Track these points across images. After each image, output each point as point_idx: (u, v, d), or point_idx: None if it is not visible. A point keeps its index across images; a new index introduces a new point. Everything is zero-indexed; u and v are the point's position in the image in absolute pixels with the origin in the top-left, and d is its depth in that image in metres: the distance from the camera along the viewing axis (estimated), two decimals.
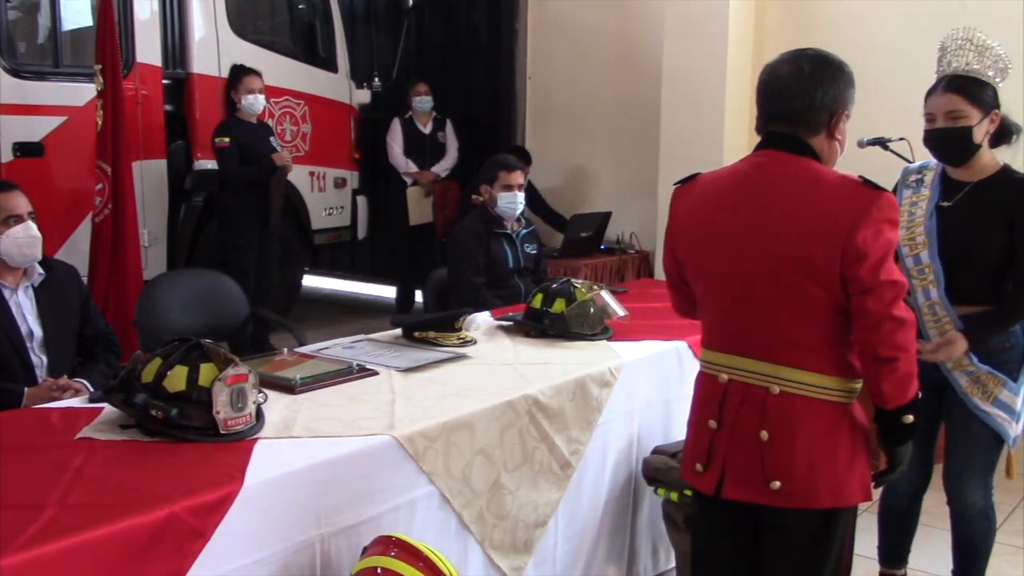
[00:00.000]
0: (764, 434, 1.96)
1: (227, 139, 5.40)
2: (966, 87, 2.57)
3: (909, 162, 2.95)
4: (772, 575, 2.08)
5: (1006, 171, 2.67)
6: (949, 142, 2.62)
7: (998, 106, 2.60)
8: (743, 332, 2.00)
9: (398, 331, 3.24)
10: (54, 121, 5.05)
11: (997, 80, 2.60)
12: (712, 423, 2.04)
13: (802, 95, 1.95)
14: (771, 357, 1.97)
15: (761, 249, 1.94)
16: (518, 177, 4.16)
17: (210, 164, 5.70)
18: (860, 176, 1.94)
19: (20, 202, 2.96)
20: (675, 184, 2.17)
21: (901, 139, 3.13)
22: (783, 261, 1.92)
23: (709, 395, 2.07)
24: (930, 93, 2.66)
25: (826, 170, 1.97)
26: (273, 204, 5.49)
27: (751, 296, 1.97)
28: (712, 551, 2.18)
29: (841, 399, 1.98)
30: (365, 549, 2.02)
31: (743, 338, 2.00)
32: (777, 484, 1.95)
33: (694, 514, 2.24)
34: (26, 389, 2.84)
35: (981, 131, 2.59)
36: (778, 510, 1.99)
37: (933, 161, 2.77)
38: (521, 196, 4.17)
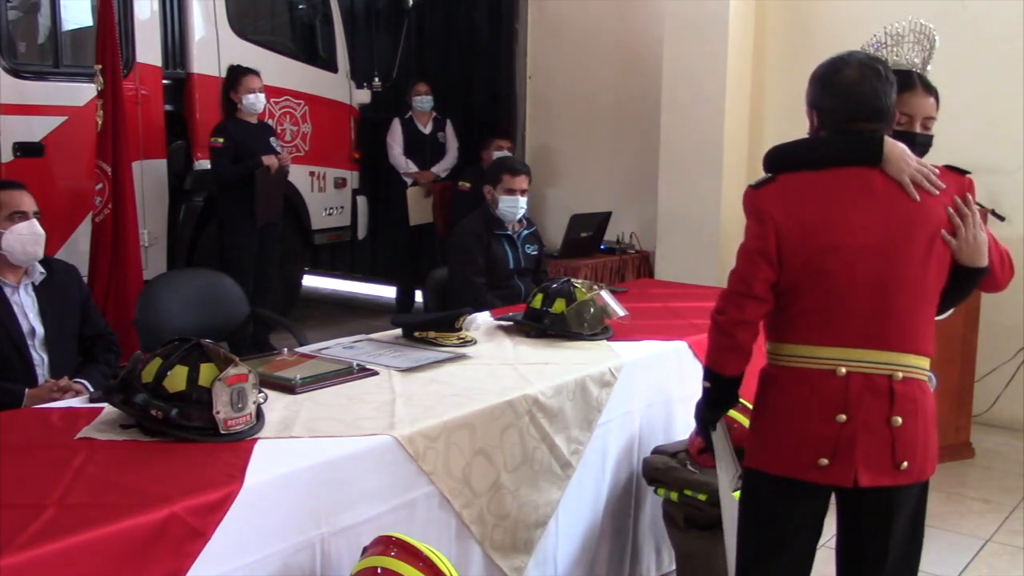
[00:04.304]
0: (897, 420, 2.06)
1: (221, 139, 5.42)
2: (935, 90, 2.48)
3: None
4: (881, 547, 2.14)
5: None
6: (922, 150, 2.44)
7: None
8: (870, 325, 2.07)
9: (398, 331, 3.24)
10: (54, 121, 5.04)
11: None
12: (841, 417, 2.06)
13: (885, 95, 2.12)
14: (896, 346, 2.08)
15: (897, 245, 2.06)
16: (522, 182, 4.17)
17: (210, 164, 5.70)
18: (945, 165, 2.16)
19: (26, 200, 2.98)
20: (752, 187, 2.17)
21: None
22: (918, 254, 2.07)
23: (827, 390, 2.08)
24: (905, 88, 2.41)
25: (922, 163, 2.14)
26: (257, 204, 5.47)
27: (886, 290, 2.06)
28: (796, 537, 2.20)
29: (927, 377, 2.14)
30: (365, 549, 2.02)
31: (869, 331, 2.07)
32: (905, 464, 2.06)
33: (778, 507, 2.19)
34: (27, 390, 2.84)
35: None
36: (899, 488, 2.09)
37: None
38: (523, 200, 4.17)
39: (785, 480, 2.14)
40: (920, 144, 2.43)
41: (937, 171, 2.12)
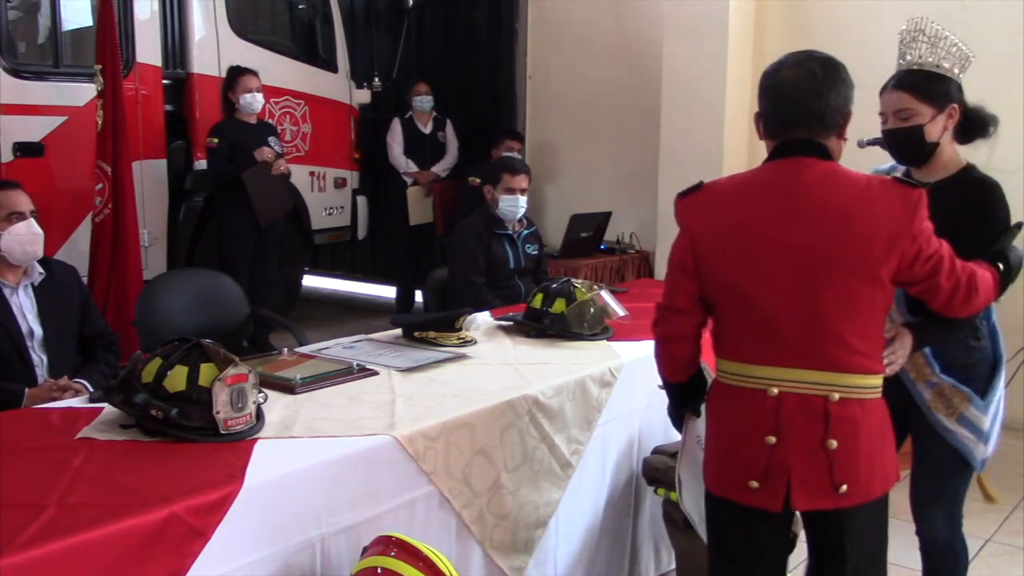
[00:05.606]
0: (832, 443, 1.96)
1: (216, 139, 5.43)
2: (916, 83, 2.40)
3: None
4: (839, 570, 2.08)
5: (967, 171, 2.47)
6: (901, 143, 2.44)
7: (955, 100, 2.42)
8: (800, 343, 1.97)
9: (398, 331, 3.24)
10: (54, 121, 5.04)
11: (956, 71, 2.43)
12: (771, 439, 1.99)
13: (818, 98, 1.97)
14: (830, 365, 1.97)
15: (822, 260, 1.94)
16: (521, 181, 4.17)
17: (206, 164, 5.70)
18: (894, 177, 2.04)
19: (22, 200, 2.98)
20: (679, 196, 2.10)
21: None
22: (845, 269, 1.93)
23: (759, 410, 2.01)
24: (883, 90, 2.46)
25: (862, 174, 2.01)
26: (256, 205, 5.45)
27: (812, 307, 1.95)
28: (757, 561, 2.14)
29: (880, 394, 2.04)
30: (365, 549, 2.02)
31: (800, 349, 1.97)
32: (844, 488, 1.97)
33: (728, 529, 2.15)
34: (26, 389, 2.84)
35: (936, 128, 2.39)
36: (842, 510, 2.01)
37: None
38: (523, 200, 4.17)
39: (725, 501, 2.10)
40: (893, 138, 2.42)
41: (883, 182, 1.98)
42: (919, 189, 1.97)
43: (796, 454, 1.98)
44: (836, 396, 1.96)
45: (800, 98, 1.98)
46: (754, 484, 2.01)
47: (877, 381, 2.02)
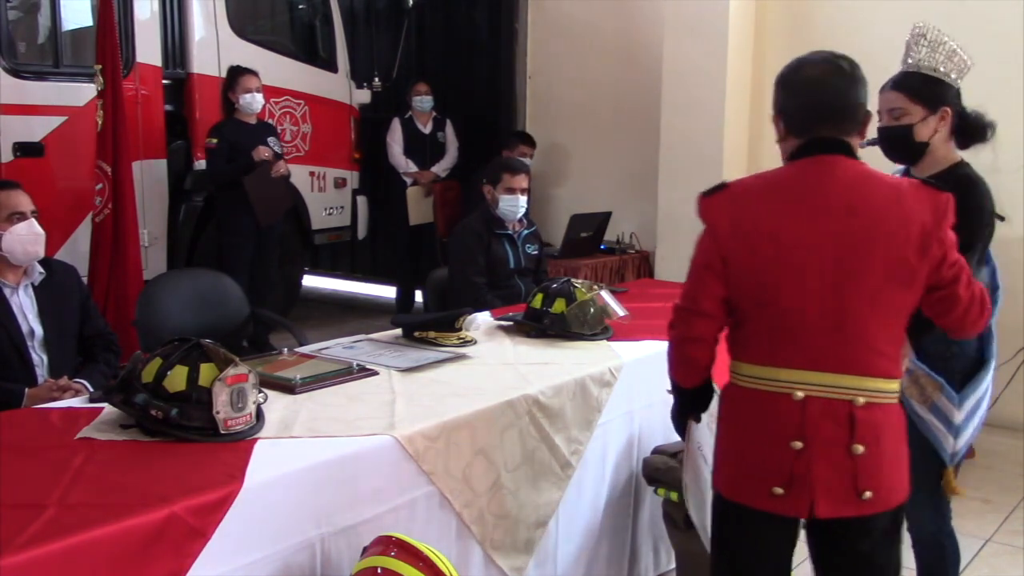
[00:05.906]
0: (859, 448, 1.92)
1: (215, 139, 5.42)
2: (911, 84, 2.45)
3: None
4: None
5: (955, 167, 2.50)
6: (891, 141, 2.49)
7: (948, 103, 2.47)
8: (827, 346, 1.94)
9: (398, 331, 3.24)
10: (54, 121, 5.05)
11: (953, 76, 2.47)
12: (797, 444, 1.94)
13: (847, 94, 1.96)
14: (858, 369, 1.94)
15: (854, 261, 1.91)
16: (521, 181, 4.16)
17: (205, 164, 5.70)
18: (922, 180, 2.02)
19: (23, 200, 2.98)
20: (703, 195, 2.06)
21: None
22: (877, 271, 1.91)
23: (783, 415, 1.96)
24: (881, 90, 2.51)
25: (892, 176, 2.01)
26: (256, 207, 5.44)
27: (841, 309, 1.92)
28: (764, 564, 2.12)
29: (898, 399, 2.01)
30: (365, 549, 2.02)
31: (826, 352, 1.94)
32: (869, 494, 1.94)
33: (737, 533, 2.12)
34: (26, 389, 2.84)
35: (927, 129, 2.44)
36: (864, 518, 1.98)
37: None
38: (523, 200, 4.17)
39: (741, 507, 2.05)
40: (884, 136, 2.47)
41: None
42: (947, 194, 1.94)
43: (821, 460, 1.94)
44: (861, 400, 1.93)
45: (830, 94, 1.96)
46: (778, 491, 1.96)
47: (897, 385, 1.99)
